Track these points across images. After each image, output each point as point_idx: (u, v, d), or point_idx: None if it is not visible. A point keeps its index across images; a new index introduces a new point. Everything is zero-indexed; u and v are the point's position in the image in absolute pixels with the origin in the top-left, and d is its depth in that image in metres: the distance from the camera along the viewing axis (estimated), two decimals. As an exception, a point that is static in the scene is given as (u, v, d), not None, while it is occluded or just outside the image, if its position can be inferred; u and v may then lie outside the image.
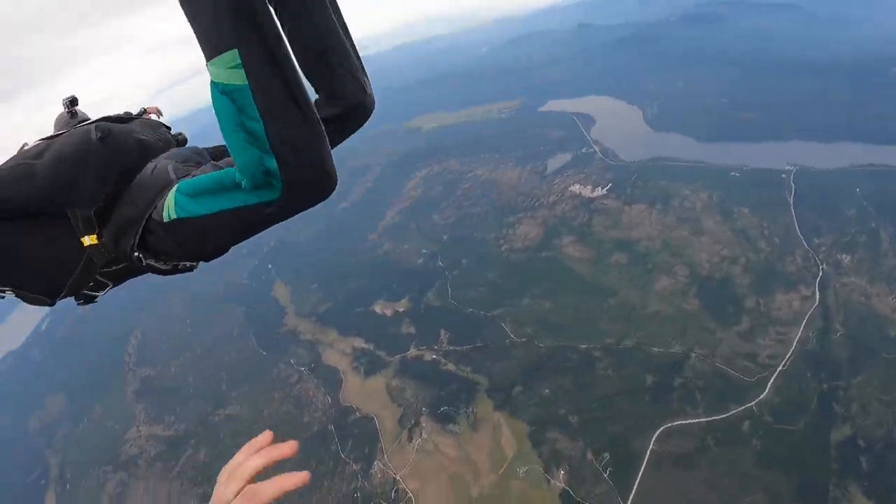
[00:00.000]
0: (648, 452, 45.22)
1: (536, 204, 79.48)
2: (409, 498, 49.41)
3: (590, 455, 46.44)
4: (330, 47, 3.22)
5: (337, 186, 2.65)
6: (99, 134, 3.15)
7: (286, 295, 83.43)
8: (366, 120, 3.61)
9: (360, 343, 68.04)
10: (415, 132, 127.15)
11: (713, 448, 44.43)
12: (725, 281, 59.75)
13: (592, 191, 78.45)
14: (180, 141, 3.92)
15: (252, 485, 2.07)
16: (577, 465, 46.24)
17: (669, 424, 46.70)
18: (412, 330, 66.24)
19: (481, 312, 64.08)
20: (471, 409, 53.66)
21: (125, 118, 3.75)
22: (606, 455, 46.07)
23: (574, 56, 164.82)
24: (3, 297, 3.18)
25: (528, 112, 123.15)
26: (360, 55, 3.44)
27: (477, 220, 79.12)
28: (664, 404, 48.45)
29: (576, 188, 79.87)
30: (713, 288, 59.34)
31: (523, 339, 58.56)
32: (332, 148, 2.68)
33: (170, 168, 3.17)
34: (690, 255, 64.54)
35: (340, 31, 3.25)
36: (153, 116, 4.13)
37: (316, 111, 2.44)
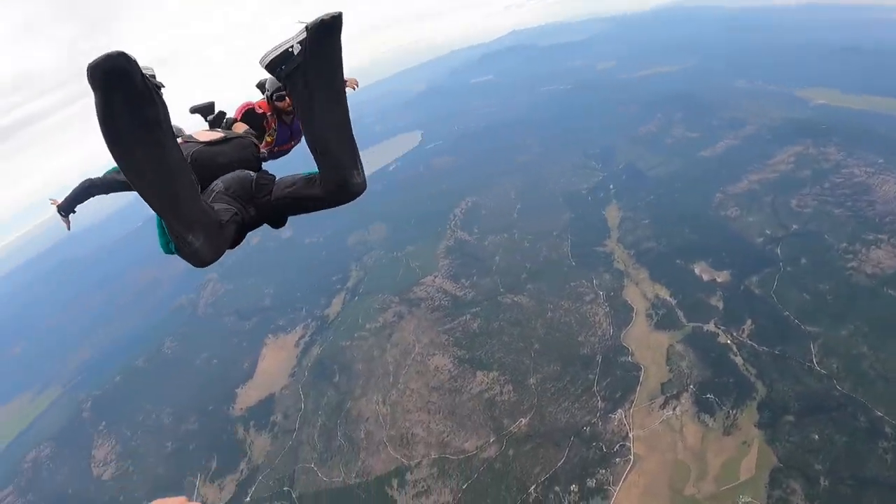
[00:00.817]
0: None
1: (906, 232, 66.77)
2: (629, 460, 50.08)
3: (816, 528, 42.22)
4: (322, 148, 4.40)
5: (207, 265, 4.28)
6: (192, 157, 5.24)
7: (616, 218, 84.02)
8: (346, 200, 4.70)
9: (664, 294, 67.09)
10: (801, 103, 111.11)
11: None
12: None
13: None
14: (261, 159, 5.96)
15: None
16: (795, 530, 42.62)
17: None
18: (720, 305, 63.08)
19: (796, 321, 58.30)
20: (734, 412, 51.09)
21: (223, 139, 5.78)
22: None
23: None
24: None
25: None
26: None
27: (834, 222, 69.20)
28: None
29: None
30: None
31: (824, 371, 52.28)
32: (315, 211, 4.88)
33: (216, 189, 5.05)
34: None
35: (335, 134, 4.34)
36: (351, 88, 6.16)
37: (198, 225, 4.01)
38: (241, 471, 65.55)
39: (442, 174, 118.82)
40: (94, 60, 3.08)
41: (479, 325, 69.45)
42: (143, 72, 3.29)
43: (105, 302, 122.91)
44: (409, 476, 56.29)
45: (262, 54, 4.00)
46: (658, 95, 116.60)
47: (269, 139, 7.09)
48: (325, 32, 3.85)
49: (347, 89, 5.58)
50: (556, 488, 49.98)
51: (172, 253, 4.18)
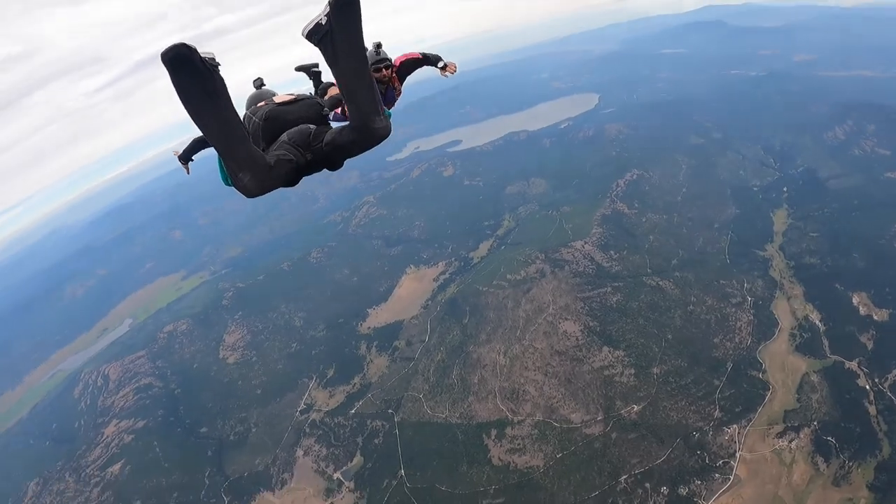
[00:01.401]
0: None
1: None
2: (728, 479, 48.61)
3: None
4: (349, 97, 5.45)
5: (254, 197, 5.49)
6: (264, 117, 6.50)
7: (783, 224, 78.83)
8: (373, 141, 5.76)
9: (814, 317, 62.62)
10: None
11: None
12: None
13: None
14: (325, 116, 6.94)
15: None
16: None
17: None
18: (870, 344, 57.70)
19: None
20: (850, 464, 47.60)
21: (293, 100, 6.94)
22: None
23: None
24: None
25: None
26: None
27: None
28: None
29: None
30: None
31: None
32: (350, 156, 6.02)
33: (282, 139, 6.20)
34: None
35: (358, 86, 5.35)
36: (447, 74, 7.58)
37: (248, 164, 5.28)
38: (354, 384, 70.34)
39: (612, 141, 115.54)
40: (164, 49, 4.19)
41: (618, 301, 68.72)
42: (203, 56, 4.42)
43: (262, 206, 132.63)
44: (508, 430, 57.95)
45: (302, 27, 5.05)
46: (853, 101, 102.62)
47: None
48: (344, 6, 4.80)
49: (447, 74, 7.56)
50: (647, 485, 49.71)
51: (229, 185, 5.60)
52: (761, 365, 58.42)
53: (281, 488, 60.48)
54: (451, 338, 71.09)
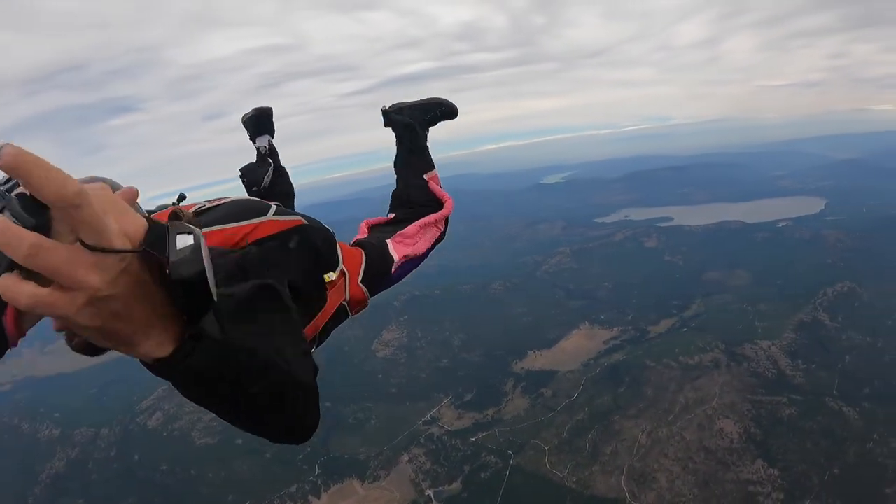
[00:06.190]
0: None
1: None
2: None
3: None
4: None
5: None
6: None
7: None
8: None
9: None
10: None
11: None
12: None
13: None
14: None
15: None
16: None
17: None
18: None
19: None
20: None
21: None
22: None
23: None
24: None
25: None
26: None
27: None
28: None
29: None
30: None
31: None
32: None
33: None
34: None
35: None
36: None
37: None
38: (486, 415, 68.43)
39: (829, 248, 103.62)
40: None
41: (790, 415, 60.72)
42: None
43: (462, 232, 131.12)
44: (621, 513, 53.09)
45: None
46: None
47: None
48: None
49: None
50: None
51: None
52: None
53: (372, 482, 60.05)
54: (599, 402, 67.11)
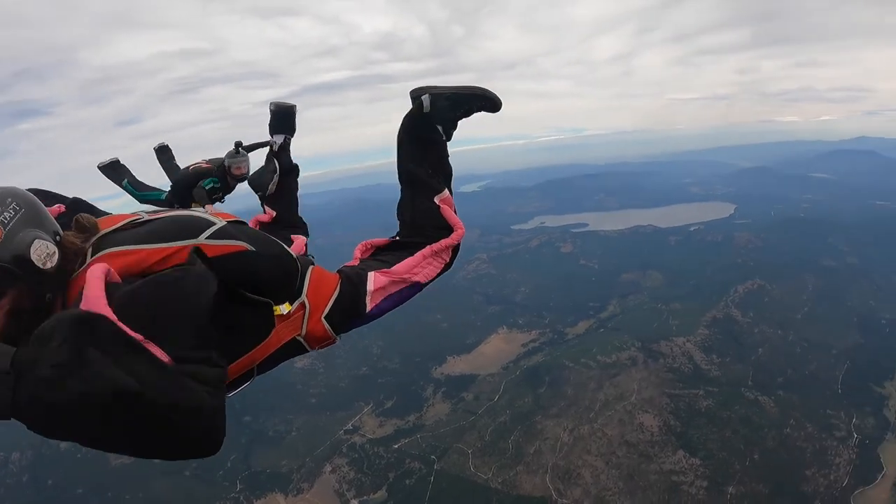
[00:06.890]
0: None
1: None
2: None
3: None
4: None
5: None
6: None
7: None
8: None
9: None
10: None
11: None
12: None
13: None
14: None
15: None
16: None
17: None
18: None
19: None
20: None
21: None
22: None
23: None
24: None
25: None
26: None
27: None
28: None
29: None
30: None
31: None
32: None
33: None
34: None
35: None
36: None
37: None
38: (408, 421, 68.16)
39: (739, 249, 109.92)
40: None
41: (708, 407, 63.09)
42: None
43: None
44: (549, 512, 53.59)
45: None
46: None
47: None
48: None
49: None
50: None
51: None
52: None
53: (295, 495, 58.59)
54: (521, 403, 67.65)
